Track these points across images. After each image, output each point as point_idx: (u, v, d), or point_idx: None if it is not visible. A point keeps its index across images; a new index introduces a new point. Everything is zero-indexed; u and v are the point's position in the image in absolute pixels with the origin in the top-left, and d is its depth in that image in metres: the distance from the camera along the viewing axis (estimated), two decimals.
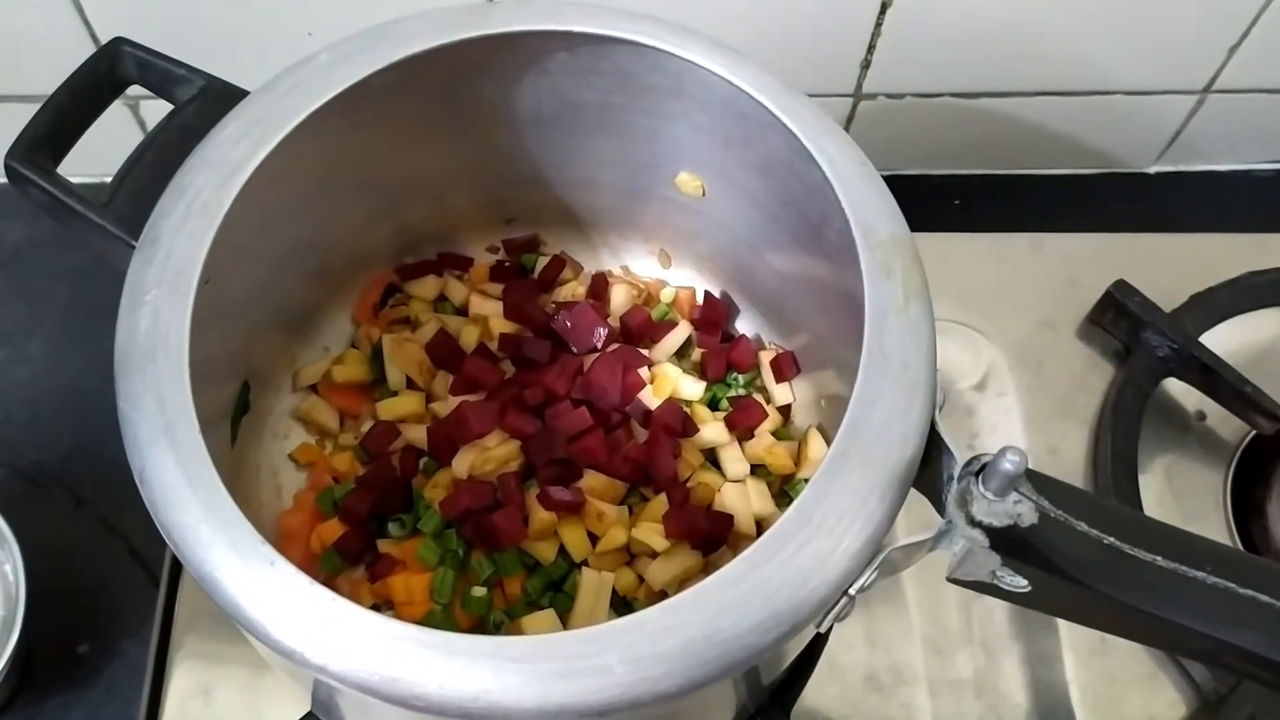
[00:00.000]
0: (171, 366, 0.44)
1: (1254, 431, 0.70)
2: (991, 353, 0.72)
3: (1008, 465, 0.42)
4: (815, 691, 0.62)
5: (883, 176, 0.87)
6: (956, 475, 0.45)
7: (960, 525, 0.44)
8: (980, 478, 0.44)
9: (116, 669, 0.67)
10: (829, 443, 0.60)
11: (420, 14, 0.52)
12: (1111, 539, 0.44)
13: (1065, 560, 0.44)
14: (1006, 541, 0.44)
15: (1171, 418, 0.72)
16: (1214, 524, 0.69)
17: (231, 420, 0.58)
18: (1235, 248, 0.77)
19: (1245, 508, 0.69)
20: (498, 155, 0.61)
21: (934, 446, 0.46)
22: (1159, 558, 0.44)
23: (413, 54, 0.51)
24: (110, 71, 0.51)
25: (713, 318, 0.67)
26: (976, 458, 0.45)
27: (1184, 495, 0.70)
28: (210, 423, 0.53)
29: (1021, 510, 0.44)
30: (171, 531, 0.42)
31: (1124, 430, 0.68)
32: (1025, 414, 0.71)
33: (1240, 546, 0.68)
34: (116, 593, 0.68)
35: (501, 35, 0.52)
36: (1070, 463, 0.70)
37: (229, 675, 0.63)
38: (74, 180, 0.51)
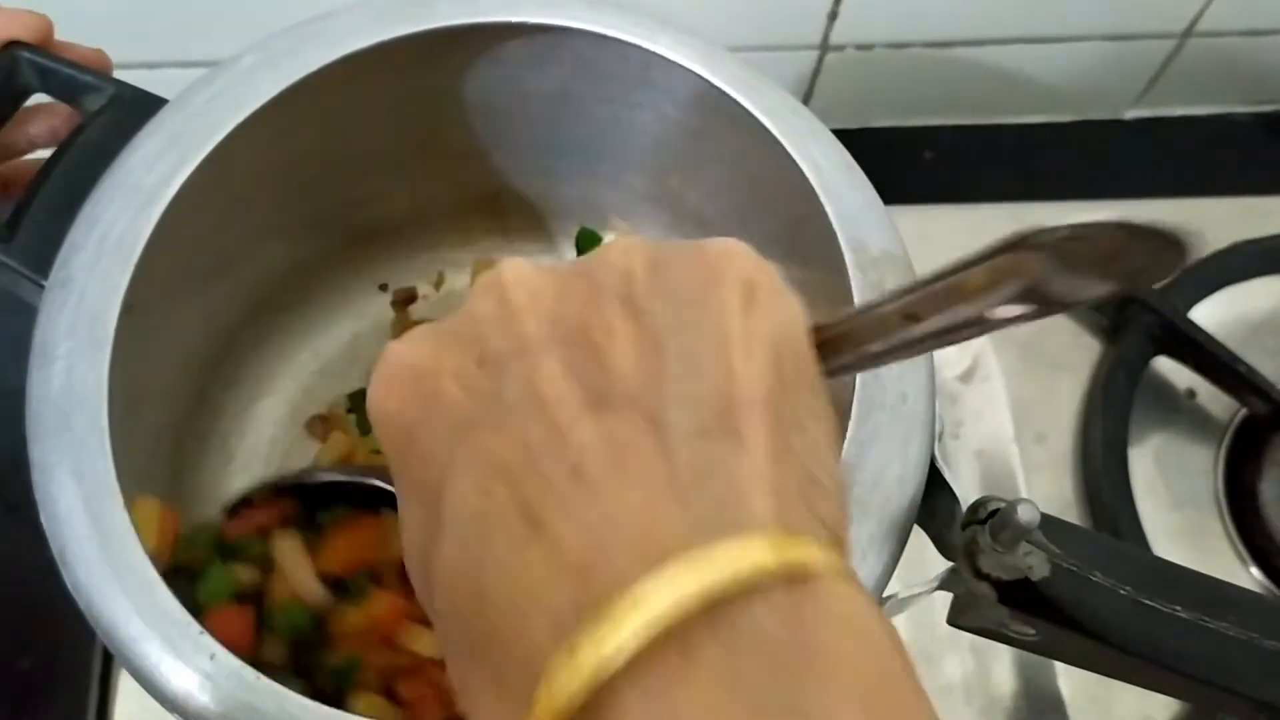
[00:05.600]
0: (89, 431, 0.40)
1: (1246, 409, 0.68)
2: (979, 339, 0.68)
3: (1020, 519, 0.39)
4: None
5: (852, 130, 0.85)
6: (960, 519, 0.42)
7: (966, 577, 0.41)
8: (988, 527, 0.41)
9: (61, 685, 0.63)
10: None
11: (357, 5, 0.47)
12: (1128, 589, 0.41)
13: (1080, 613, 0.40)
14: (1016, 594, 0.41)
15: (1162, 396, 0.69)
16: (1206, 507, 0.67)
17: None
18: (1226, 214, 0.73)
19: (1238, 489, 0.67)
20: (448, 148, 0.56)
21: (934, 483, 0.43)
22: (1179, 608, 0.41)
23: (347, 54, 0.46)
24: (8, 82, 0.45)
25: None
26: (983, 503, 0.41)
27: (1175, 477, 0.67)
28: (147, 464, 0.49)
29: (1032, 563, 0.40)
30: (99, 623, 0.38)
31: (1114, 416, 0.65)
32: (1011, 399, 0.68)
33: (1234, 529, 0.66)
34: (57, 604, 0.64)
35: (446, 29, 0.47)
36: (1058, 450, 0.67)
37: None
38: None
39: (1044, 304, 0.24)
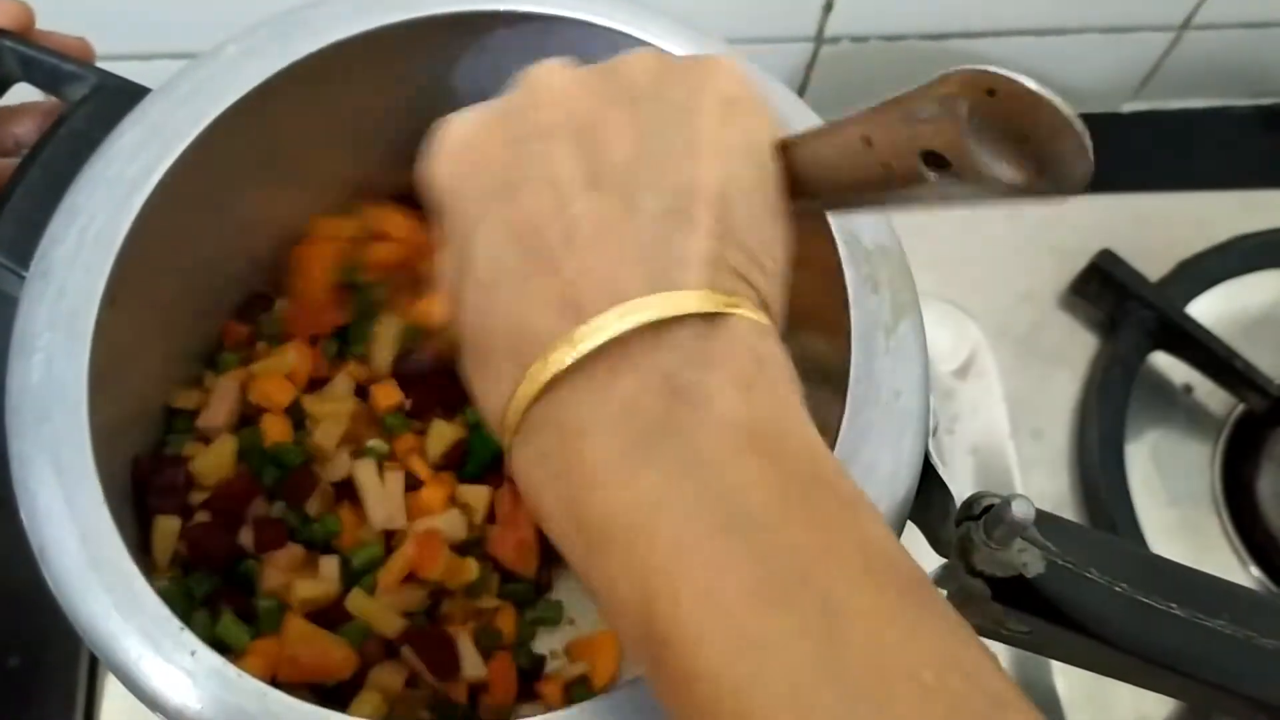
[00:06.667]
0: (69, 425, 0.39)
1: (1244, 405, 0.67)
2: (975, 333, 0.68)
3: (1015, 515, 0.38)
4: None
5: None
6: (954, 515, 0.41)
7: (960, 574, 0.41)
8: (982, 523, 0.40)
9: (48, 682, 0.63)
10: None
11: None
12: (1124, 586, 0.40)
13: (1074, 611, 0.40)
14: (1011, 591, 0.40)
15: (1159, 391, 0.69)
16: (1203, 504, 0.66)
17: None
18: (1223, 207, 0.73)
19: (1236, 485, 0.66)
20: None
21: (928, 479, 0.42)
22: (1174, 605, 0.40)
23: (331, 43, 0.45)
24: None
25: None
26: (977, 499, 0.41)
27: (1172, 474, 0.67)
28: (129, 456, 0.49)
29: (1027, 559, 0.40)
30: (79, 619, 0.38)
31: (1111, 412, 0.64)
32: (1007, 395, 0.67)
33: (1231, 526, 0.65)
34: (45, 601, 0.64)
35: (433, 18, 0.46)
36: (1055, 447, 0.66)
37: None
38: None
39: (964, 163, 0.28)
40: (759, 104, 0.34)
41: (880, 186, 0.31)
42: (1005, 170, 0.28)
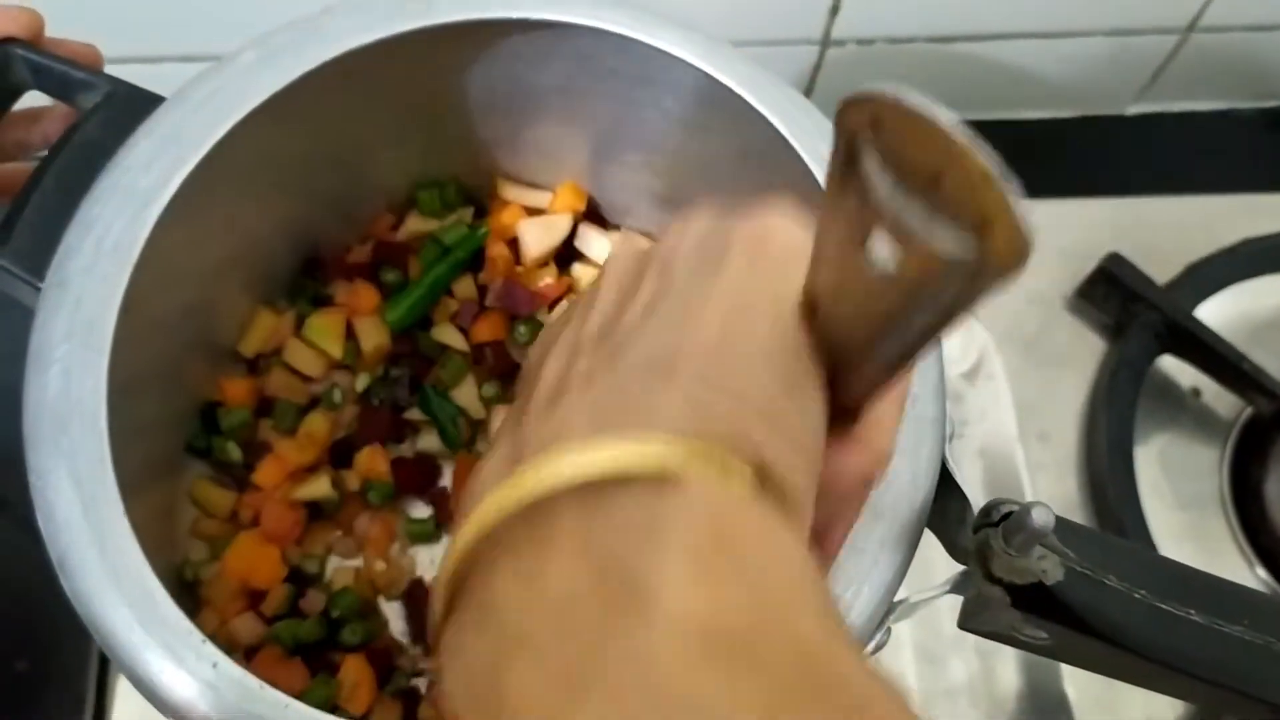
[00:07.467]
0: (88, 435, 0.39)
1: (1251, 408, 0.67)
2: (982, 337, 0.68)
3: (1034, 522, 0.38)
4: None
5: None
6: (971, 523, 0.41)
7: (978, 581, 0.41)
8: (1000, 530, 0.40)
9: (58, 687, 0.62)
10: None
11: (358, 1, 0.46)
12: (1142, 593, 0.40)
13: (1093, 617, 0.40)
14: (1029, 598, 0.40)
15: (1166, 395, 0.69)
16: (1211, 507, 0.66)
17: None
18: (1230, 211, 0.73)
19: (1244, 488, 0.66)
20: (448, 144, 0.55)
21: (945, 486, 0.42)
22: (1193, 611, 0.40)
23: (347, 50, 0.45)
24: (0, 79, 0.44)
25: None
26: (996, 506, 0.41)
27: (1180, 477, 0.67)
28: (147, 469, 0.49)
29: (1046, 566, 0.40)
30: (99, 631, 0.38)
31: (1118, 416, 0.64)
32: (1015, 398, 0.67)
33: (1239, 529, 0.65)
34: (53, 603, 0.63)
35: (447, 26, 0.46)
36: (1063, 450, 0.66)
37: None
38: None
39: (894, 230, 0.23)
40: (794, 252, 0.30)
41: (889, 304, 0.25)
42: (943, 235, 0.22)
